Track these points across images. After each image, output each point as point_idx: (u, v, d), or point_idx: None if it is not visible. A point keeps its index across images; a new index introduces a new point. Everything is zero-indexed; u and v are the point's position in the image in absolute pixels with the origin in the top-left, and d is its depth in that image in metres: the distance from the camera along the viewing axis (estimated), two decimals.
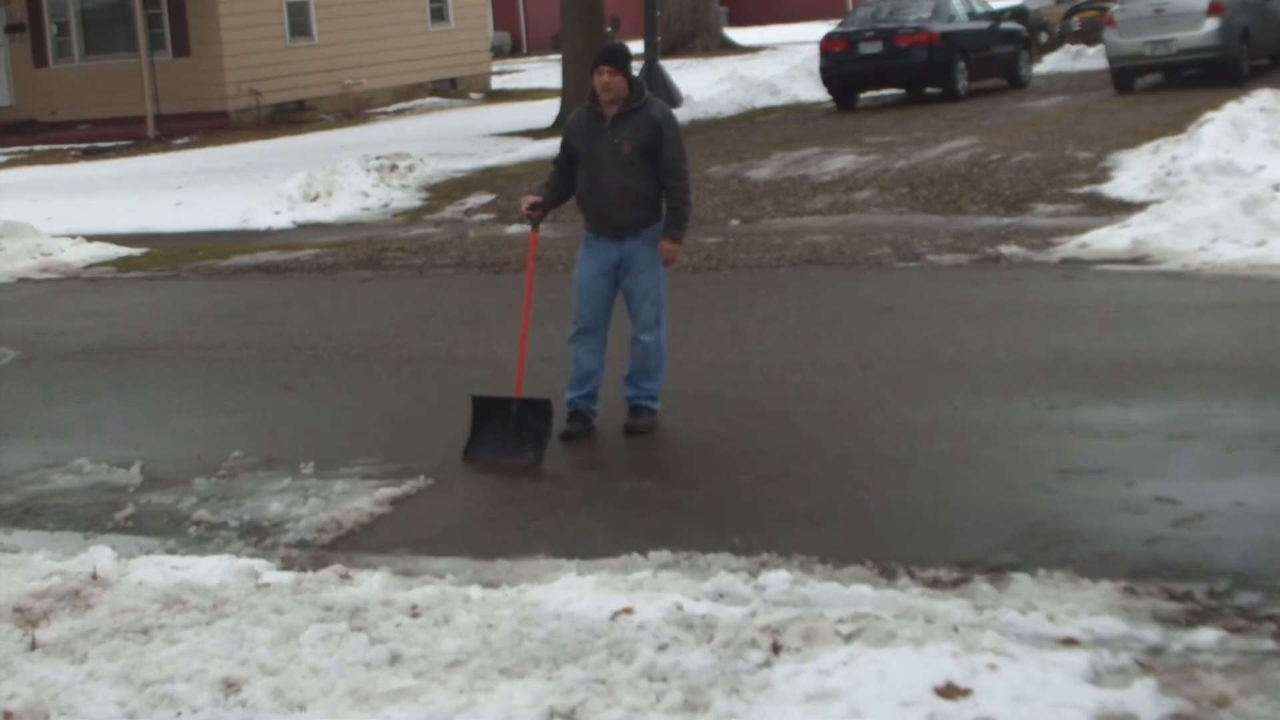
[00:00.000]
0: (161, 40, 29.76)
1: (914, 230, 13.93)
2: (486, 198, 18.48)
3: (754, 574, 5.93)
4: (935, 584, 5.80)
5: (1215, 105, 16.97)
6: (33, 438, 9.10)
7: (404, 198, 18.92)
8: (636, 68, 30.11)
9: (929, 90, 25.00)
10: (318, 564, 6.54)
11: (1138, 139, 17.45)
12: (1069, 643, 5.11)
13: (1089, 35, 29.77)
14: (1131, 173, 15.61)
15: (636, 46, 35.26)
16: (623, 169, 8.05)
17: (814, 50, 27.01)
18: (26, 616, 5.92)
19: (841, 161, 18.51)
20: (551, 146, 22.52)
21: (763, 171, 18.37)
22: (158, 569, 6.37)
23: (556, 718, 4.81)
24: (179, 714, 5.03)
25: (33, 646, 5.61)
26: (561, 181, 8.37)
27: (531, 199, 8.39)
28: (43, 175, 24.46)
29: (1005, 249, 12.49)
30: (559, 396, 8.18)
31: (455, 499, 7.60)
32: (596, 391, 8.33)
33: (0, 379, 10.77)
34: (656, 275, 8.27)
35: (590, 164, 8.16)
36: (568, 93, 26.18)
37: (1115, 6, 24.21)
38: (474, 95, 34.67)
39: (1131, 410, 7.93)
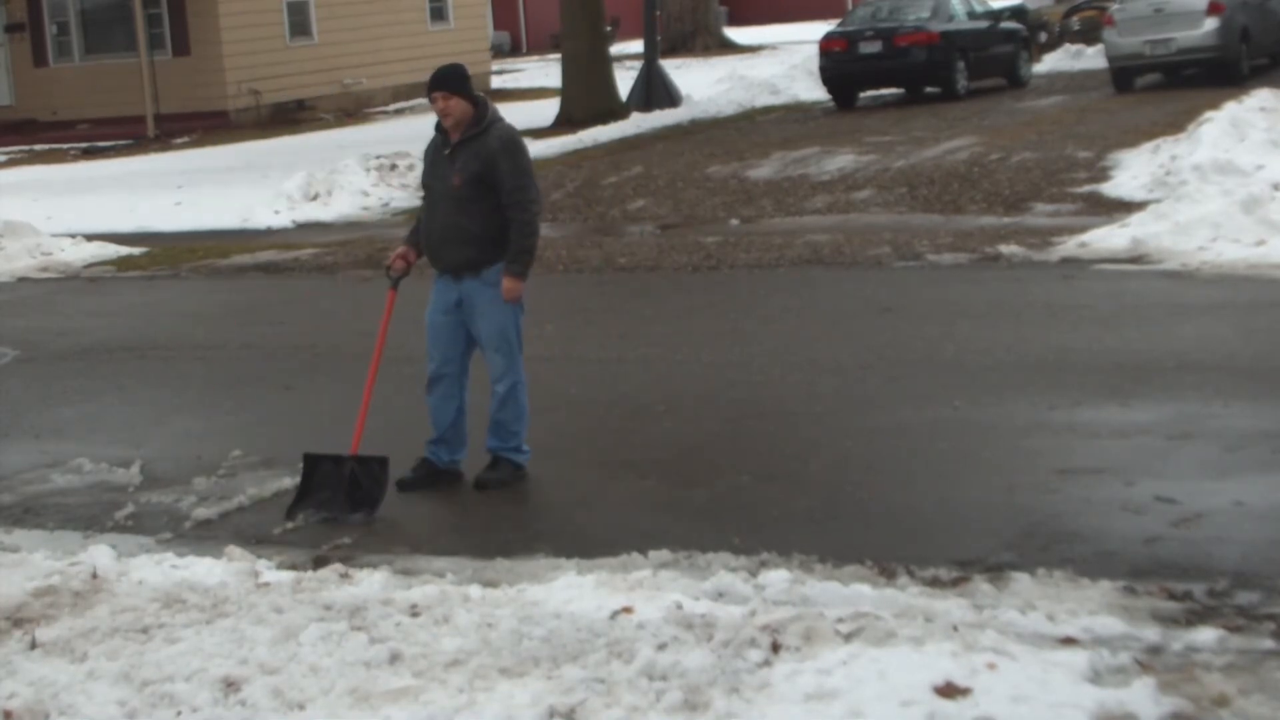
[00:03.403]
0: (161, 40, 29.76)
1: (914, 230, 13.93)
2: None
3: (754, 573, 5.93)
4: (935, 583, 5.81)
5: (1215, 105, 16.97)
6: (33, 437, 9.10)
7: (404, 197, 18.92)
8: (635, 67, 30.09)
9: (929, 90, 24.99)
10: (317, 563, 6.54)
11: (1137, 138, 17.44)
12: (1069, 642, 5.11)
13: (1089, 35, 29.76)
14: (1131, 172, 15.62)
15: (636, 46, 35.37)
16: (453, 203, 7.38)
17: (814, 50, 26.99)
18: (26, 615, 5.92)
19: (841, 161, 18.52)
20: (551, 146, 22.64)
21: (762, 171, 18.38)
22: (157, 568, 6.38)
23: (556, 717, 4.81)
24: (179, 713, 5.03)
25: (33, 646, 5.62)
26: None
27: (401, 251, 7.73)
28: (43, 175, 24.46)
29: (1005, 249, 12.50)
30: (560, 395, 8.17)
31: (455, 499, 7.61)
32: (454, 439, 7.68)
33: (0, 379, 10.77)
34: (500, 319, 7.47)
35: (429, 197, 7.62)
36: (567, 92, 26.20)
37: (1115, 6, 24.20)
38: None
39: (1131, 410, 7.94)
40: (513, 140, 7.41)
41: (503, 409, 7.56)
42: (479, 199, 7.34)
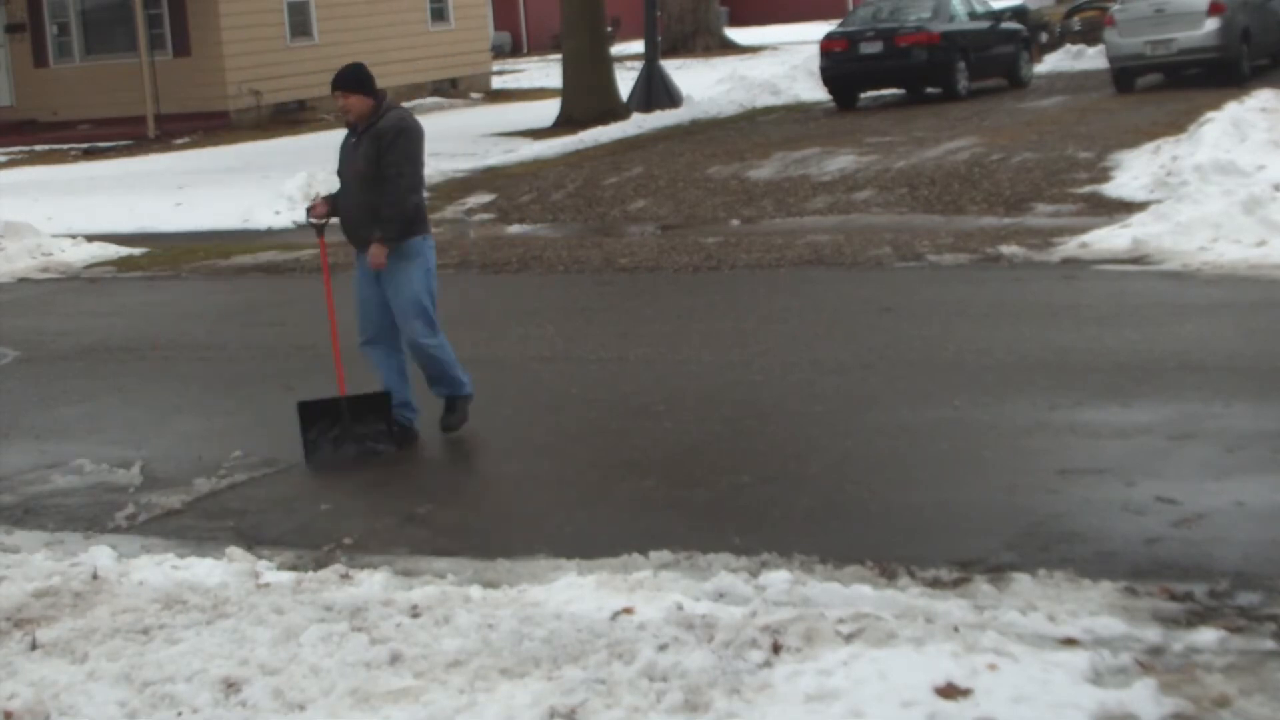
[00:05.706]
0: (162, 40, 29.76)
1: (914, 230, 13.93)
2: (487, 198, 18.49)
3: (754, 574, 5.93)
4: (936, 584, 5.80)
5: (1216, 105, 16.98)
6: (33, 438, 9.10)
7: None
8: (635, 67, 30.08)
9: (929, 90, 25.00)
10: (318, 564, 6.54)
11: (1138, 139, 17.45)
12: (1069, 643, 5.11)
13: (1089, 35, 29.78)
14: (1132, 172, 15.62)
15: (637, 46, 35.37)
16: (361, 186, 8.11)
17: (814, 50, 27.01)
18: (27, 616, 5.92)
19: (842, 161, 18.52)
20: (552, 146, 22.66)
21: (763, 171, 18.37)
22: (158, 569, 6.38)
23: (557, 718, 4.80)
24: (179, 714, 5.03)
25: (33, 646, 5.62)
26: None
27: (318, 201, 8.44)
28: (43, 175, 24.46)
29: (1005, 249, 12.49)
30: (560, 395, 8.18)
31: (456, 499, 7.61)
32: (404, 399, 8.41)
33: (0, 379, 10.77)
34: (413, 288, 8.21)
35: (341, 183, 8.32)
36: (568, 92, 26.21)
37: (1115, 6, 24.21)
38: (474, 95, 34.68)
39: (1132, 410, 7.93)
40: (403, 125, 8.13)
41: (433, 364, 8.36)
42: (383, 180, 8.06)
